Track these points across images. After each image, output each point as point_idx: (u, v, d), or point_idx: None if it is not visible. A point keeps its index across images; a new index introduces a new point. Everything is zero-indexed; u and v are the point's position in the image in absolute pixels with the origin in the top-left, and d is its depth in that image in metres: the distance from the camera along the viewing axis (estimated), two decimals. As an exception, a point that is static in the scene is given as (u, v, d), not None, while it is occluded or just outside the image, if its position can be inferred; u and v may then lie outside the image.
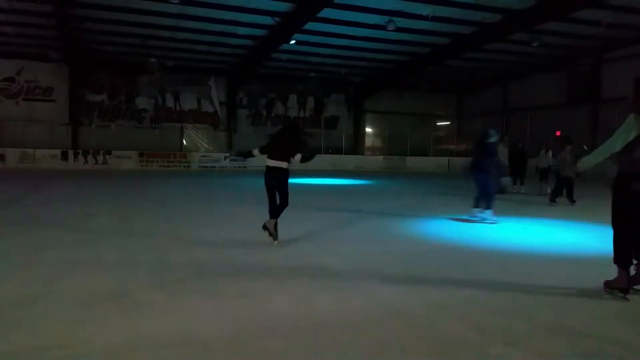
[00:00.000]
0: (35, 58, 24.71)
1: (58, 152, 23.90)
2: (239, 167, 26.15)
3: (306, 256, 6.00)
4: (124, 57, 25.45)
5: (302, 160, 6.41)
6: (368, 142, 32.89)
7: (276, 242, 6.47)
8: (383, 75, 28.58)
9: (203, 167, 25.80)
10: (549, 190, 13.69)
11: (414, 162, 29.40)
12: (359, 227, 8.34)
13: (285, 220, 8.68)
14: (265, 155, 6.52)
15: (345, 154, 29.46)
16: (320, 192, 15.59)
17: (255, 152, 6.69)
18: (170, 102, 28.24)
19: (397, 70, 27.10)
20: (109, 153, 24.50)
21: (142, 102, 27.63)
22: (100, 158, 24.40)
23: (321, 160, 27.66)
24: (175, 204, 11.10)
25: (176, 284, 4.75)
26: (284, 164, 6.39)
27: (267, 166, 6.48)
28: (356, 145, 31.46)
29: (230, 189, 15.73)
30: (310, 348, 3.35)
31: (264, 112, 30.11)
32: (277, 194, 6.48)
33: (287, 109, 30.52)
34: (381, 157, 29.92)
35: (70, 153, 24.11)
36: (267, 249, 6.40)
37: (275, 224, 6.48)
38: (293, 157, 6.37)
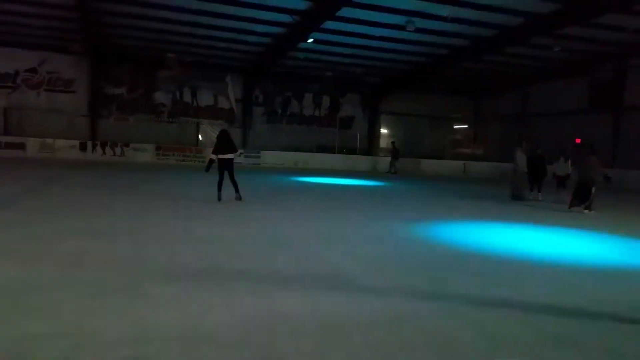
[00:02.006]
0: (58, 50, 25.10)
1: (77, 142, 24.22)
2: (253, 164, 26.27)
3: (316, 257, 6.01)
4: (144, 52, 25.64)
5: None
6: (383, 143, 32.83)
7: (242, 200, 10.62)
8: (400, 76, 28.41)
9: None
10: (566, 198, 13.49)
11: (429, 165, 29.24)
12: (371, 229, 8.32)
13: (296, 221, 8.77)
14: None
15: (359, 154, 29.38)
16: (332, 192, 15.60)
17: (213, 156, 10.56)
18: (187, 98, 28.44)
19: (415, 71, 26.93)
20: (127, 145, 24.79)
21: (160, 97, 27.84)
22: (117, 150, 24.67)
23: (334, 159, 27.78)
24: (188, 198, 11.18)
25: (187, 278, 4.81)
26: (231, 155, 10.54)
27: (220, 158, 10.49)
28: (370, 146, 31.36)
29: (244, 185, 15.72)
30: (317, 347, 3.37)
31: (279, 110, 30.14)
32: (228, 175, 10.52)
33: (302, 108, 30.52)
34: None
35: (89, 144, 24.48)
36: (279, 248, 6.43)
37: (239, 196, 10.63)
38: (235, 151, 10.65)
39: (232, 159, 10.64)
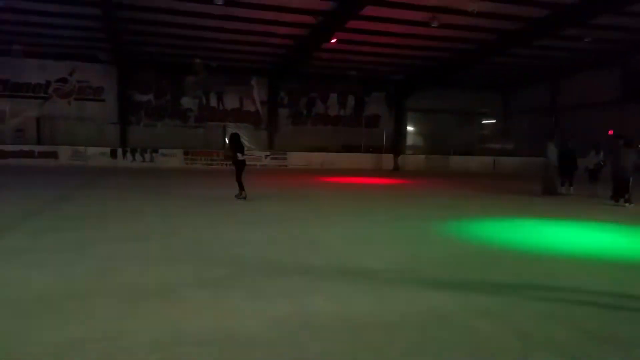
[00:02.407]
0: (87, 59, 25.73)
1: (107, 150, 24.73)
2: (280, 166, 26.41)
3: (344, 258, 6.00)
4: (170, 58, 26.06)
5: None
6: (410, 141, 32.43)
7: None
8: (425, 72, 28.12)
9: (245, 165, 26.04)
10: (599, 192, 13.14)
11: (457, 161, 28.82)
12: (399, 228, 8.27)
13: (323, 221, 8.79)
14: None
15: (385, 152, 29.26)
16: (359, 191, 15.57)
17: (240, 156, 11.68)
18: (213, 102, 28.73)
19: (441, 67, 26.62)
20: (155, 151, 25.17)
21: (187, 102, 28.21)
22: (147, 156, 25.10)
23: (360, 159, 27.67)
24: (217, 201, 11.37)
25: (218, 281, 4.87)
26: (239, 156, 11.65)
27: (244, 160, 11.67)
28: (398, 144, 31.09)
29: (269, 186, 15.97)
30: (347, 348, 3.38)
31: (305, 111, 30.23)
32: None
33: (327, 108, 30.55)
34: (423, 156, 29.48)
35: (119, 151, 24.94)
36: (306, 249, 6.45)
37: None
38: (242, 152, 11.73)
39: (239, 160, 11.75)
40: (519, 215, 10.12)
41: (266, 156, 26.79)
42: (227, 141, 12.12)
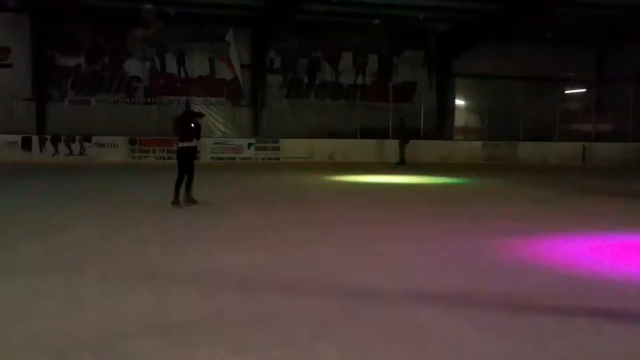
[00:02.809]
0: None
1: (17, 138, 24.76)
2: (269, 159, 26.52)
3: (372, 293, 5.95)
4: (109, 3, 26.02)
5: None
6: (459, 121, 32.35)
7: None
8: (482, 20, 28.01)
9: (218, 158, 26.13)
10: None
11: (529, 150, 28.76)
12: (448, 249, 8.27)
13: (339, 240, 8.89)
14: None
15: (424, 138, 29.17)
16: (387, 196, 15.53)
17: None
18: (171, 67, 28.74)
19: (503, 12, 26.44)
20: (88, 140, 25.19)
21: (133, 67, 28.24)
22: (75, 147, 25.09)
23: (387, 148, 27.66)
24: (178, 215, 11.40)
25: (180, 330, 4.80)
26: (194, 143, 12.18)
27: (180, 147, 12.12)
28: (441, 126, 31.01)
29: (253, 189, 15.99)
30: None
31: (305, 79, 30.28)
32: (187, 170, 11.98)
33: (338, 74, 30.51)
34: (479, 143, 29.48)
35: (35, 140, 24.92)
36: (316, 282, 6.39)
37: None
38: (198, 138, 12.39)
39: (194, 148, 12.29)
40: (623, 229, 10.05)
41: (250, 145, 26.89)
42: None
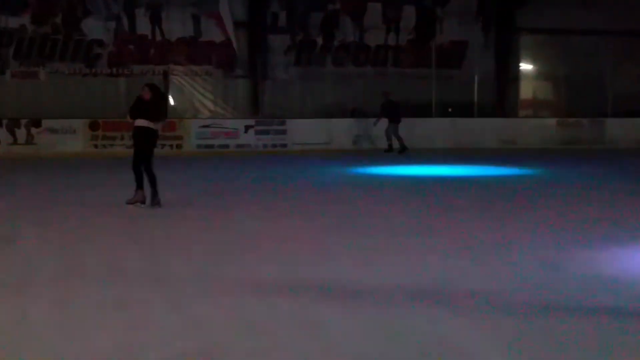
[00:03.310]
0: None
1: (-55, 123, 25.06)
2: (274, 146, 26.67)
3: (439, 340, 5.82)
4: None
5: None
6: (526, 92, 32.32)
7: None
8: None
9: (206, 146, 26.19)
10: None
11: (621, 129, 28.71)
12: (523, 263, 8.38)
13: (379, 253, 9.05)
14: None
15: (479, 116, 29.21)
16: (434, 193, 15.59)
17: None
18: (143, 26, 28.70)
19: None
20: (37, 124, 25.25)
21: (93, 28, 28.15)
22: (20, 133, 25.13)
23: (429, 129, 27.76)
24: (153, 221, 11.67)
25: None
26: (148, 123, 12.50)
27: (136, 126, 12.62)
28: (502, 99, 31.02)
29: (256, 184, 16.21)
30: None
31: (320, 40, 30.24)
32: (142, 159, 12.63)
33: (362, 32, 30.47)
34: (553, 120, 29.39)
35: (-33, 125, 25.27)
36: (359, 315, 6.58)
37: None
38: (159, 119, 12.90)
39: (152, 131, 12.66)
40: None
41: (247, 128, 26.98)
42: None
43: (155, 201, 12.52)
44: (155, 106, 12.63)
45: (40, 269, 8.06)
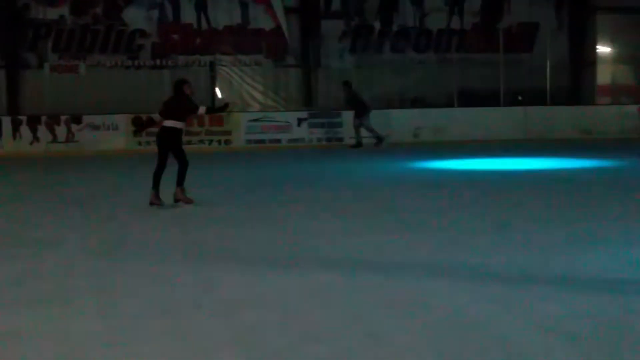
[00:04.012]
0: None
1: (-18, 121, 25.24)
2: (328, 139, 26.46)
3: None
4: None
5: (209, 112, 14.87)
6: (603, 77, 31.67)
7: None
8: None
9: (256, 141, 26.13)
10: None
11: None
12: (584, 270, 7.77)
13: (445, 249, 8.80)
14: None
15: (552, 104, 28.57)
16: (507, 188, 15.24)
17: (156, 116, 13.18)
18: (188, 14, 28.73)
19: None
20: (77, 121, 25.23)
21: (135, 18, 28.29)
22: (61, 131, 25.14)
23: (496, 119, 27.08)
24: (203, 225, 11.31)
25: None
26: (178, 124, 12.78)
27: (164, 127, 12.76)
28: (577, 85, 30.58)
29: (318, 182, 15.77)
30: None
31: (378, 25, 29.99)
32: (175, 157, 12.74)
33: (423, 16, 30.16)
34: (634, 107, 28.53)
35: (6, 122, 25.04)
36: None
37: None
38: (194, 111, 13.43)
39: (179, 130, 12.89)
40: None
41: (300, 121, 26.74)
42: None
43: (182, 197, 12.65)
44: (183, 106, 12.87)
45: (83, 275, 8.06)
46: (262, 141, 26.24)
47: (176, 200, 12.57)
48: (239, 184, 16.57)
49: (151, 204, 12.42)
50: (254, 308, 6.61)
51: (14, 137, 24.95)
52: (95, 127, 25.34)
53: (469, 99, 28.42)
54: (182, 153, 12.70)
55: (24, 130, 25.04)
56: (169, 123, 12.57)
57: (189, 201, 12.58)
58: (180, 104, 12.72)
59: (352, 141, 25.60)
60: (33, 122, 25.14)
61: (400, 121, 26.92)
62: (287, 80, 29.56)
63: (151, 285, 7.67)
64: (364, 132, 25.38)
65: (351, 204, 13.44)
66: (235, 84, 28.77)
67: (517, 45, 30.36)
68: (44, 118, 25.25)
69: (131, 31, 28.33)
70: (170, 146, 12.71)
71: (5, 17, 27.02)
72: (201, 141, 25.40)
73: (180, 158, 12.65)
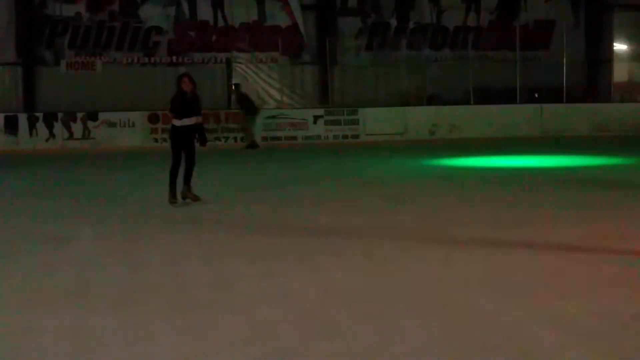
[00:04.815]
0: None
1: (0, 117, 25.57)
2: (345, 136, 26.44)
3: None
4: None
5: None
6: (620, 74, 31.52)
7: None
8: None
9: (272, 138, 26.18)
10: None
11: None
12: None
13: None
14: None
15: (569, 101, 28.48)
16: (515, 184, 15.30)
17: (177, 121, 12.78)
18: (204, 12, 28.82)
19: None
20: (94, 118, 25.30)
21: (151, 15, 28.38)
22: (76, 127, 25.26)
23: (513, 116, 27.12)
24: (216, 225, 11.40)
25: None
26: (195, 121, 12.85)
27: (180, 126, 12.74)
28: (594, 82, 30.47)
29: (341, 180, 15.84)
30: None
31: (394, 22, 30.00)
32: (186, 155, 12.77)
33: (440, 13, 30.16)
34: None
35: (22, 119, 25.19)
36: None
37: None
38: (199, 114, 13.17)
39: (199, 127, 13.14)
40: None
41: (316, 119, 26.79)
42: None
43: (189, 194, 12.72)
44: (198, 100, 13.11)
45: (97, 272, 8.15)
46: (278, 138, 26.26)
47: (184, 198, 12.65)
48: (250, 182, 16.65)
49: (171, 202, 12.51)
50: (270, 305, 6.65)
51: (30, 134, 25.11)
52: (112, 124, 25.42)
53: (485, 96, 28.39)
54: (193, 152, 12.79)
55: (40, 127, 25.18)
56: (178, 122, 12.65)
57: (196, 198, 12.70)
58: (173, 101, 12.89)
59: (248, 140, 25.42)
60: (49, 119, 25.26)
61: (416, 119, 26.92)
62: (303, 78, 29.65)
63: (166, 281, 7.75)
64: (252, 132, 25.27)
65: (366, 202, 13.36)
66: (252, 81, 28.69)
67: (534, 43, 30.27)
68: (60, 115, 25.38)
69: (147, 28, 28.46)
70: (183, 144, 12.73)
71: (21, 14, 27.16)
72: (217, 138, 25.52)
73: (190, 157, 12.73)
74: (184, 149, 12.68)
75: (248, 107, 25.50)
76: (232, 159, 21.63)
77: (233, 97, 26.57)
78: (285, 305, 6.68)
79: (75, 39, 27.98)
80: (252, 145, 24.90)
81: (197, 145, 12.97)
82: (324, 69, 29.11)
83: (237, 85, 26.48)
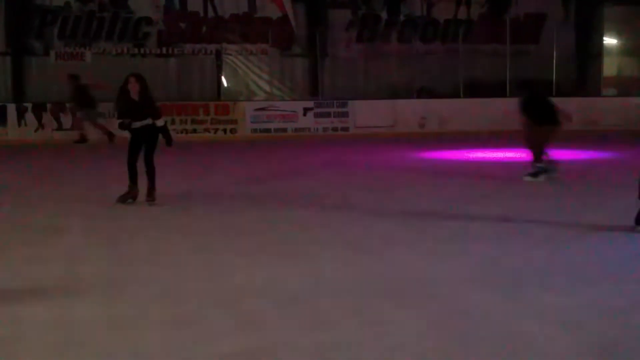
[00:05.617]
0: None
1: (-11, 108, 25.41)
2: (334, 129, 26.42)
3: None
4: None
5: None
6: (610, 69, 31.55)
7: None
8: None
9: (262, 130, 26.19)
10: None
11: None
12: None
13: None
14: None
15: (558, 95, 27.84)
16: (505, 177, 15.27)
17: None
18: (195, 3, 28.73)
19: None
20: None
21: (141, 6, 28.25)
22: (66, 119, 25.25)
23: (503, 111, 27.09)
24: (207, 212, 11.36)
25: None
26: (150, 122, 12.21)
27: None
28: (583, 76, 30.55)
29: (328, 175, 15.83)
30: None
31: (384, 14, 29.95)
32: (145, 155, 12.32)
33: (430, 6, 30.13)
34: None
35: (11, 109, 25.13)
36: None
37: None
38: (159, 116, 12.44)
39: (162, 128, 12.50)
40: None
41: (306, 111, 26.78)
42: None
43: (152, 197, 12.12)
44: (152, 102, 12.34)
45: (86, 263, 8.20)
46: (267, 130, 26.27)
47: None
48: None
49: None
50: (257, 297, 6.75)
51: (19, 124, 25.05)
52: (101, 115, 25.22)
53: (475, 89, 28.39)
54: (150, 156, 12.28)
55: (29, 117, 25.12)
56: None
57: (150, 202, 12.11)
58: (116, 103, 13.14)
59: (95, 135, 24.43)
60: (38, 110, 25.26)
61: (405, 112, 26.98)
62: (294, 70, 29.60)
63: (156, 273, 7.77)
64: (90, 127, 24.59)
65: (354, 195, 13.40)
66: (241, 73, 28.79)
67: (524, 36, 30.25)
68: (49, 105, 25.41)
69: (137, 19, 28.32)
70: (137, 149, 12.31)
71: (11, 3, 27.09)
72: (206, 130, 25.54)
73: (148, 161, 12.25)
74: (140, 153, 12.29)
75: (84, 100, 24.43)
76: (221, 152, 21.63)
77: (73, 88, 24.93)
78: (273, 296, 6.75)
79: (65, 29, 27.86)
80: (83, 139, 24.34)
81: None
82: (314, 61, 29.05)
83: (74, 76, 25.01)
